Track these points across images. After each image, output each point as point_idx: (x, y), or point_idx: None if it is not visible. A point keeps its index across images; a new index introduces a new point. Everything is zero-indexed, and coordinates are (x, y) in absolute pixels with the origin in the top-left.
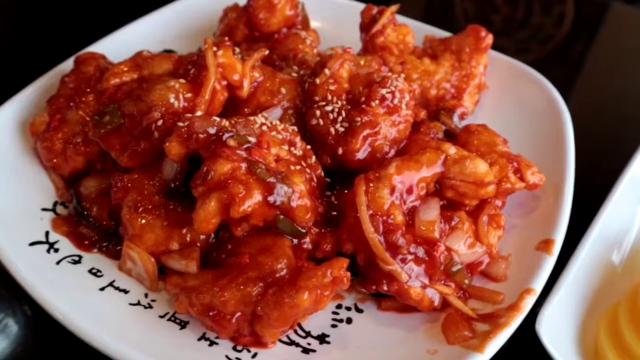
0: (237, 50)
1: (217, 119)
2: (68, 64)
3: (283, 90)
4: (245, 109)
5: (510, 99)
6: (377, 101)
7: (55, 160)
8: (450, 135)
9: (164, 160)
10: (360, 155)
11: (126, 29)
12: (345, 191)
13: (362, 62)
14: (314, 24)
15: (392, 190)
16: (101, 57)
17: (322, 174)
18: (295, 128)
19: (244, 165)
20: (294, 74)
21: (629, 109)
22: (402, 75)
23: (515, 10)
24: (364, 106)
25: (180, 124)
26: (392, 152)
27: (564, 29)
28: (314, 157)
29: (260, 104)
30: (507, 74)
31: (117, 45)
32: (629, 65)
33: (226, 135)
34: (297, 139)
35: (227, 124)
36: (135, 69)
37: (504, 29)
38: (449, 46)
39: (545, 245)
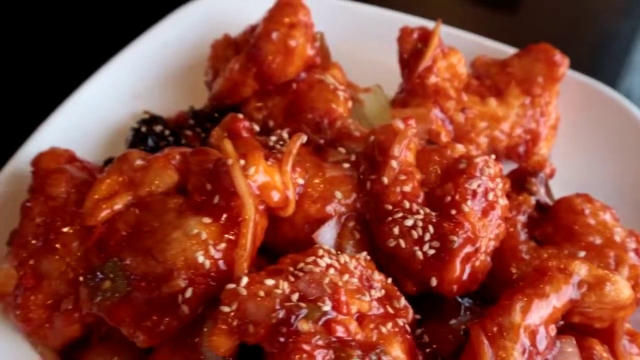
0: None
1: (279, 291)
2: (21, 164)
3: (338, 195)
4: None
5: (589, 132)
6: (469, 202)
7: (40, 333)
8: (543, 209)
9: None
10: (462, 283)
11: (89, 85)
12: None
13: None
14: None
15: (523, 348)
16: (68, 159)
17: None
18: (367, 256)
19: (329, 356)
20: (345, 164)
21: None
22: (493, 157)
23: None
24: (453, 212)
25: (225, 308)
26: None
27: None
28: (402, 300)
29: (309, 217)
30: (580, 98)
31: (80, 113)
32: None
33: (295, 318)
34: (375, 274)
35: (286, 288)
36: (127, 187)
37: None
38: (513, 75)
39: None
